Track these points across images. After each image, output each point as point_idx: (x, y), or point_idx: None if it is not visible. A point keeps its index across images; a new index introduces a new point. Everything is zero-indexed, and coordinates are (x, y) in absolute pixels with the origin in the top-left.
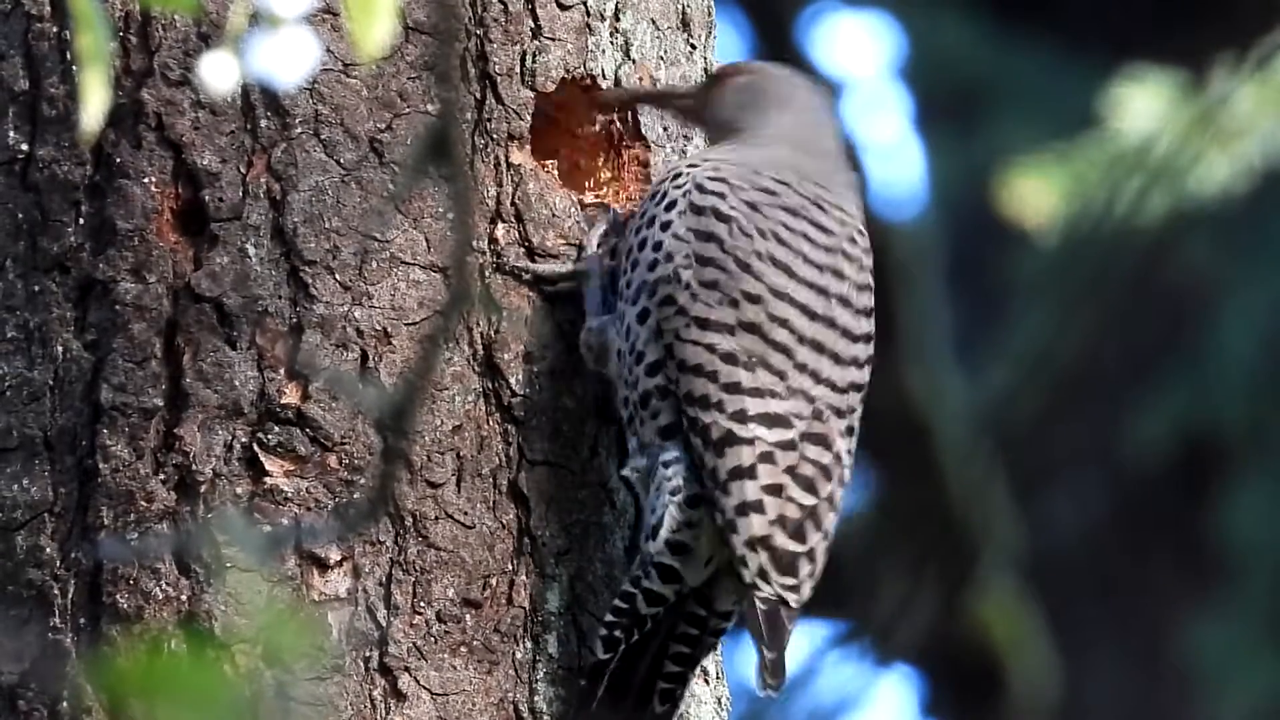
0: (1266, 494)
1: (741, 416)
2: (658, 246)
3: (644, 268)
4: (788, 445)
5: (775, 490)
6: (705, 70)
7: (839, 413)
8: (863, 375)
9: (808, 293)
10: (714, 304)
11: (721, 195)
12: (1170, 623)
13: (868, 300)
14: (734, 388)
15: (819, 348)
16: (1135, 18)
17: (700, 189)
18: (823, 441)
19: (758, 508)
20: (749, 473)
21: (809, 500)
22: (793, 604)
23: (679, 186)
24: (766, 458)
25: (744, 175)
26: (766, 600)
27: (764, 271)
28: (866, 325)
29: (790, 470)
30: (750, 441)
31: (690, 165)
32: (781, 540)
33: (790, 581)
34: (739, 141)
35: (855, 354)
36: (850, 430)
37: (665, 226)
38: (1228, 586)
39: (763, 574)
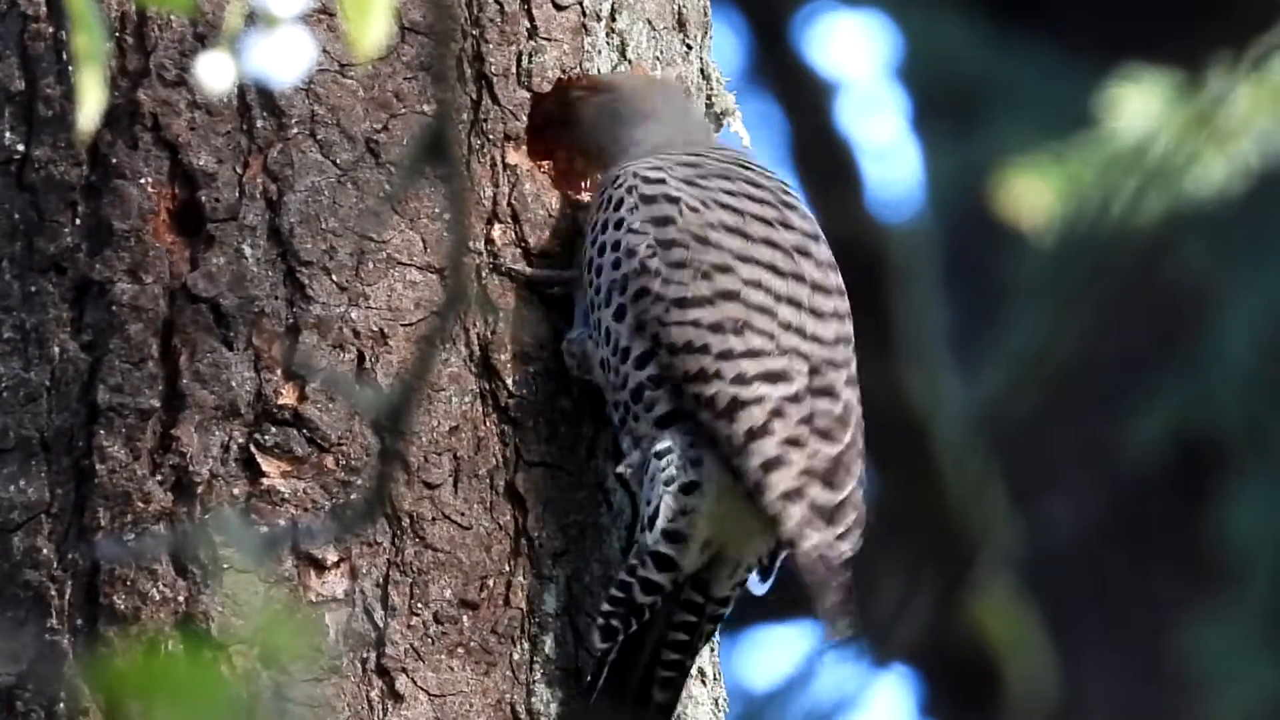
0: (1264, 495)
1: (743, 379)
2: (616, 246)
3: (609, 269)
4: (794, 398)
5: (795, 442)
6: (700, 70)
7: (835, 365)
8: (846, 329)
9: (768, 250)
10: (687, 281)
11: (663, 180)
12: (1168, 624)
13: (827, 252)
14: (728, 354)
15: (796, 304)
16: (1131, 18)
17: (645, 180)
18: (829, 392)
19: (781, 461)
20: (764, 430)
21: (832, 449)
22: (844, 554)
23: (620, 185)
24: (777, 413)
25: (666, 162)
26: (810, 552)
27: (722, 240)
28: (835, 278)
29: (805, 421)
30: (758, 400)
31: (621, 169)
32: (815, 492)
33: (835, 531)
34: (625, 156)
35: (833, 307)
36: (851, 381)
37: (619, 225)
38: (1226, 588)
39: (802, 526)
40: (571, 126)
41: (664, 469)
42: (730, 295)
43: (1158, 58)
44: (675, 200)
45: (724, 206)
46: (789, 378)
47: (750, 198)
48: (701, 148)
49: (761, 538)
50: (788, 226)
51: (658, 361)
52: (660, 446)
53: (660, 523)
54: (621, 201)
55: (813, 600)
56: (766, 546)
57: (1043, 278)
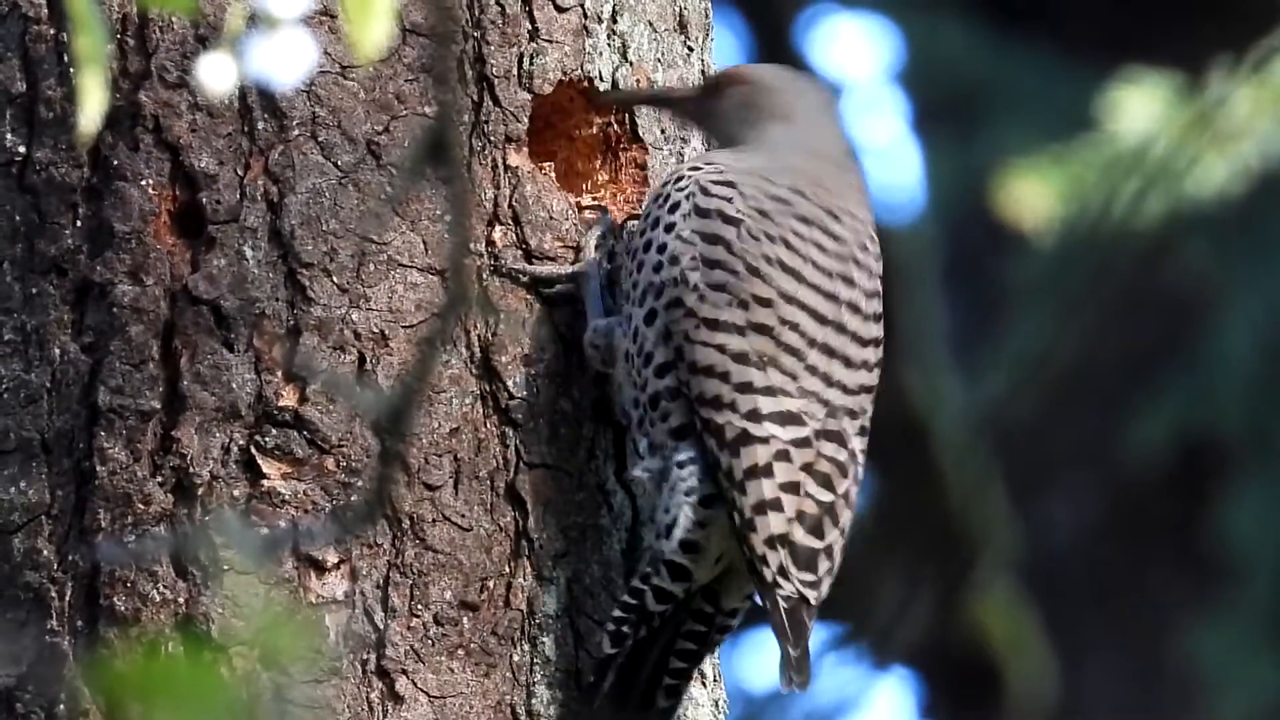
0: (1265, 497)
1: (755, 416)
2: (662, 249)
3: (649, 269)
4: (802, 443)
5: (792, 488)
6: (703, 73)
7: (851, 413)
8: (872, 378)
9: (817, 298)
10: (722, 305)
11: (728, 199)
12: (1169, 626)
13: (877, 306)
14: (746, 387)
15: (829, 352)
16: (1132, 20)
17: (704, 191)
18: (838, 439)
19: (775, 505)
20: (765, 471)
21: (826, 497)
22: (813, 601)
23: (681, 189)
24: (782, 455)
25: (755, 182)
26: (788, 598)
27: (773, 275)
28: (876, 330)
29: (807, 467)
30: (765, 440)
31: (692, 168)
32: (800, 536)
33: (810, 578)
34: (743, 149)
35: (865, 358)
36: (863, 430)
37: (669, 229)
38: (1227, 590)
39: (783, 571)
40: (710, 113)
41: (685, 479)
42: (763, 329)
43: (1158, 60)
44: (736, 223)
45: (788, 246)
46: (802, 421)
47: (819, 246)
48: (816, 179)
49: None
50: (848, 283)
51: (677, 375)
52: (682, 456)
53: (678, 533)
54: (677, 204)
55: (781, 643)
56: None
57: (1044, 279)
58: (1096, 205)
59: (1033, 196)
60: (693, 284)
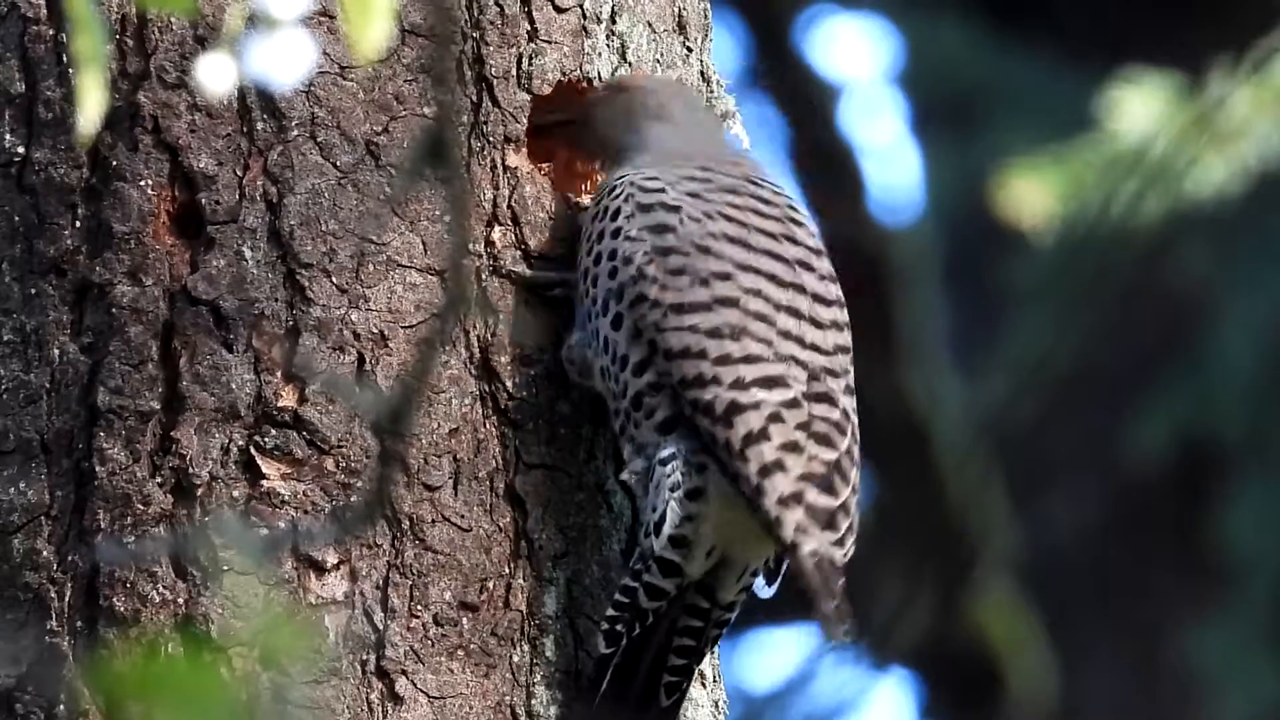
0: (1265, 498)
1: (740, 384)
2: (613, 255)
3: (605, 278)
4: (791, 404)
5: (793, 447)
6: (701, 73)
7: (833, 373)
8: (845, 338)
9: (769, 261)
10: (685, 288)
11: (661, 189)
12: (1169, 627)
13: (828, 266)
14: (725, 359)
15: (796, 313)
16: (1132, 21)
17: (641, 189)
18: (827, 399)
19: (779, 466)
20: (762, 435)
21: (829, 454)
22: (838, 560)
23: (617, 195)
24: (775, 418)
25: (671, 171)
26: (814, 553)
27: (723, 249)
28: (836, 290)
29: (802, 427)
30: (755, 405)
31: (618, 177)
32: (813, 496)
33: (833, 536)
34: (637, 156)
35: (833, 317)
36: (849, 390)
37: (615, 234)
38: (1227, 591)
39: (800, 531)
40: (587, 126)
41: (669, 475)
42: (729, 302)
43: (1158, 60)
44: (675, 209)
45: (728, 219)
46: (786, 384)
47: (756, 212)
48: (713, 160)
49: (765, 542)
50: (792, 241)
51: (655, 368)
52: (665, 453)
53: (666, 528)
54: (618, 211)
55: (811, 604)
56: (771, 551)
57: (1044, 280)
58: (1096, 205)
59: (1032, 196)
60: (651, 276)
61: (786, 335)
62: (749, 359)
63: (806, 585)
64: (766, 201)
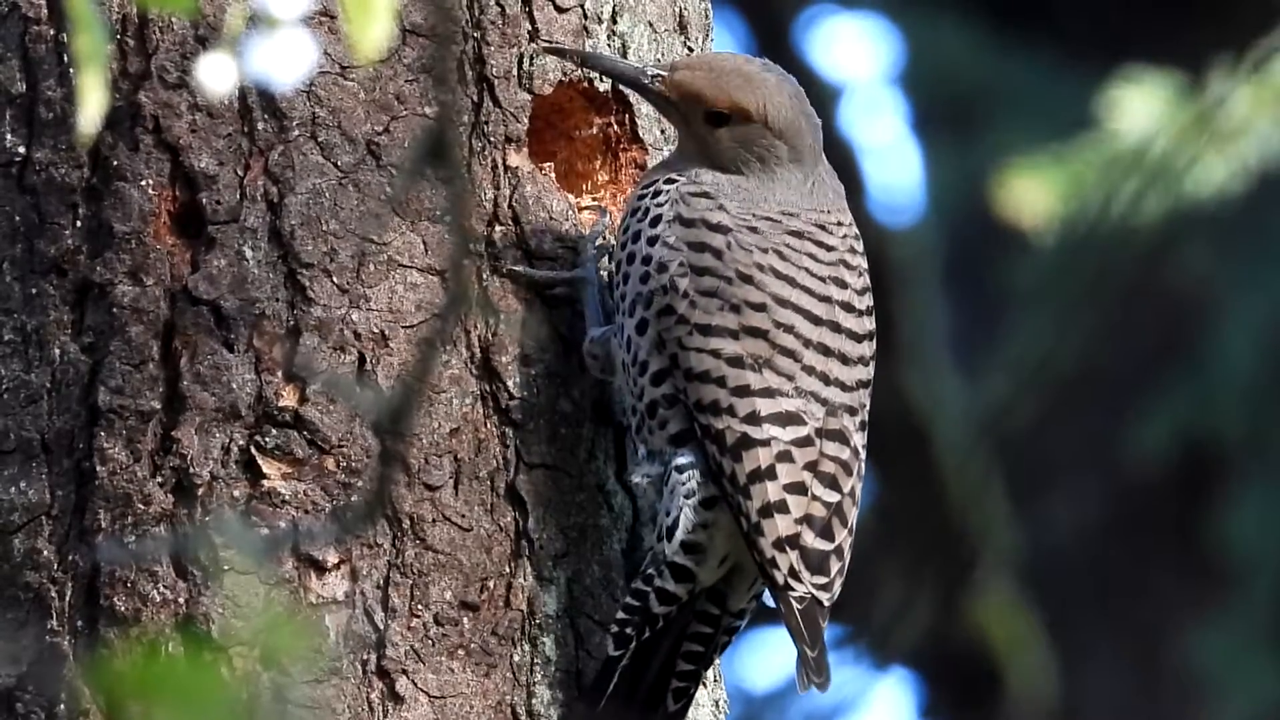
0: (1266, 498)
1: (754, 418)
2: (647, 260)
3: (635, 280)
4: (804, 442)
5: (798, 489)
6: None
7: (850, 410)
8: (868, 372)
9: (811, 300)
10: (714, 311)
11: (710, 209)
12: (1170, 628)
13: (869, 300)
14: (743, 390)
15: (825, 351)
16: (1132, 20)
17: (684, 202)
18: (840, 437)
19: (781, 508)
20: (768, 474)
21: (833, 497)
22: (825, 602)
23: (659, 202)
24: (784, 457)
25: (742, 200)
26: (801, 599)
27: (765, 281)
28: (869, 324)
29: (810, 467)
30: (766, 443)
31: (668, 181)
32: (809, 539)
33: (822, 580)
34: (735, 175)
35: (861, 353)
36: (863, 425)
37: (652, 241)
38: (1228, 592)
39: (794, 573)
40: (699, 135)
41: (684, 482)
42: (757, 332)
43: (1158, 60)
44: (724, 231)
45: (780, 256)
46: (802, 420)
47: (812, 256)
48: (797, 203)
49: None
50: (840, 285)
51: (673, 382)
52: (681, 460)
53: (679, 535)
54: (659, 218)
55: (796, 645)
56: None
57: (1044, 280)
58: (1096, 205)
59: (1032, 196)
60: (682, 290)
61: (811, 371)
62: (766, 392)
63: (791, 630)
64: (828, 248)
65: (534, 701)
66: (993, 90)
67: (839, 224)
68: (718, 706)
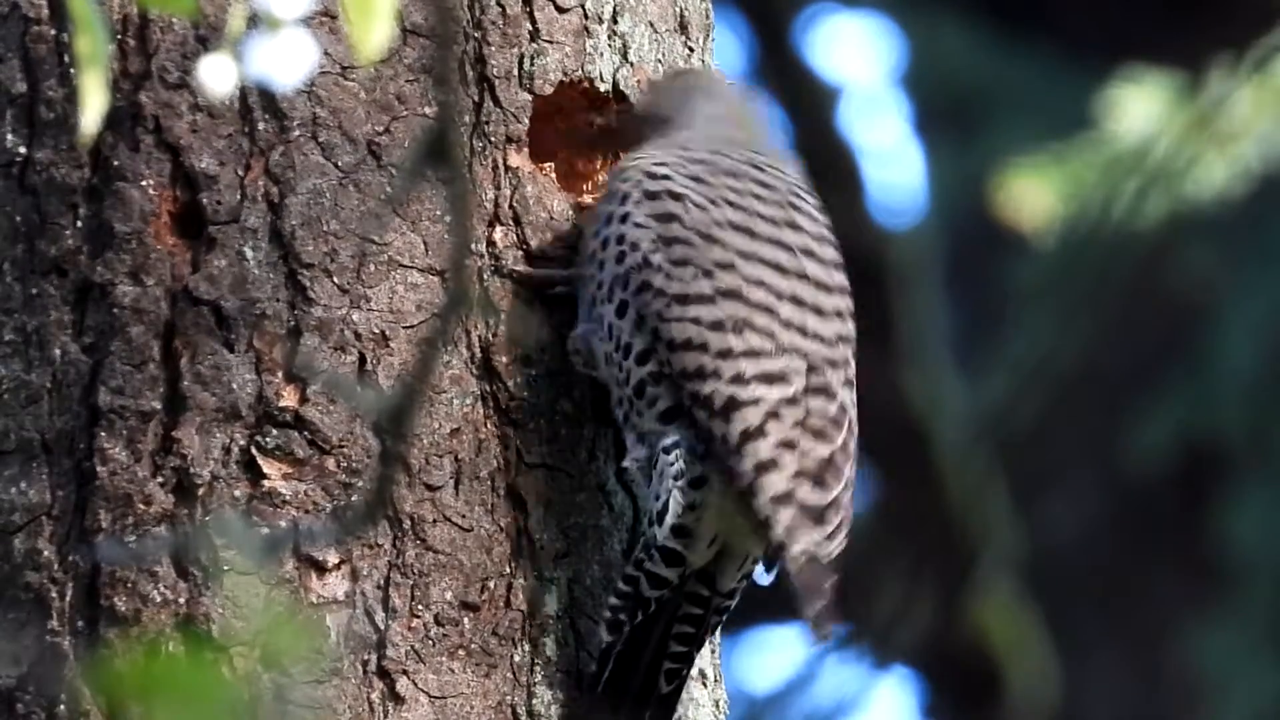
0: (1267, 499)
1: (740, 379)
2: (620, 240)
3: (612, 263)
4: (791, 400)
5: (788, 445)
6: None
7: (834, 364)
8: (848, 327)
9: (772, 249)
10: (689, 279)
11: (668, 177)
12: (1171, 628)
13: (834, 254)
14: (726, 354)
15: (798, 302)
16: (1132, 20)
17: (650, 175)
18: (825, 392)
19: (774, 465)
20: (759, 432)
21: (824, 450)
22: (827, 557)
23: (626, 180)
24: (773, 415)
25: (678, 155)
26: (799, 556)
27: (727, 238)
28: (839, 277)
29: (799, 424)
30: (754, 402)
31: (631, 161)
32: (805, 493)
33: (822, 533)
34: (663, 135)
35: (835, 305)
36: (849, 382)
37: (624, 219)
38: (1228, 592)
39: (791, 530)
40: (643, 114)
41: (672, 464)
42: (732, 293)
43: (1159, 60)
44: (680, 197)
45: (731, 205)
46: (787, 379)
47: (757, 197)
48: (720, 141)
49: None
50: (794, 227)
51: (657, 357)
52: (668, 441)
53: (669, 518)
54: (626, 196)
55: (800, 602)
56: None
57: (1045, 281)
58: (1097, 206)
59: (1033, 197)
60: (656, 264)
61: (788, 325)
62: (750, 353)
63: (794, 585)
64: (768, 186)
65: (534, 702)
66: (993, 91)
67: (771, 166)
68: (718, 707)
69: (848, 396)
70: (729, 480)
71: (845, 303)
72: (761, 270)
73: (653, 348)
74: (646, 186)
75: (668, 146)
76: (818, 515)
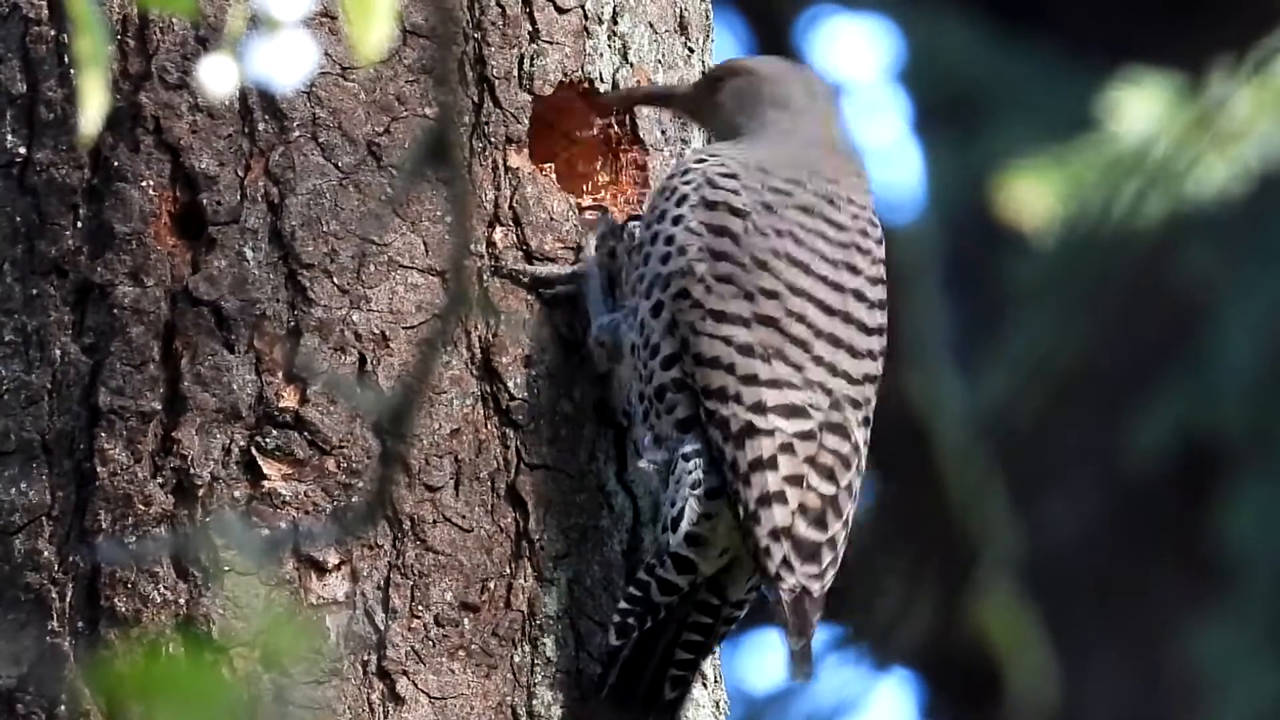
0: (1267, 498)
1: (760, 408)
2: (669, 240)
3: (656, 260)
4: (807, 435)
5: (796, 480)
6: (703, 72)
7: (855, 404)
8: (877, 367)
9: (824, 289)
10: (729, 297)
11: (735, 191)
12: (1170, 627)
13: (881, 293)
14: (751, 379)
15: (835, 342)
16: (1133, 21)
17: (711, 184)
18: (841, 431)
19: (779, 498)
20: (769, 464)
21: (829, 489)
22: (816, 592)
23: (687, 182)
24: (786, 449)
25: (755, 175)
26: (791, 590)
27: (781, 269)
28: (880, 318)
29: (810, 460)
30: (770, 433)
31: (697, 160)
32: (803, 529)
33: (813, 570)
34: (742, 140)
35: (870, 346)
36: (866, 421)
37: (676, 220)
38: (1228, 591)
39: (786, 564)
40: (709, 110)
41: (690, 472)
42: (769, 321)
43: (1159, 60)
44: (742, 215)
45: (795, 240)
46: (805, 414)
47: (824, 237)
48: (805, 169)
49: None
50: (852, 269)
51: (683, 366)
52: (688, 449)
53: (684, 525)
54: (685, 197)
55: (786, 635)
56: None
57: (1045, 280)
58: (1097, 206)
59: (1033, 197)
60: (699, 275)
61: (819, 362)
62: (774, 383)
63: (779, 620)
64: (838, 226)
65: (534, 702)
66: (993, 90)
67: (850, 201)
68: (718, 707)
69: (862, 436)
70: (731, 506)
71: (880, 343)
72: (806, 306)
73: (680, 356)
74: (706, 194)
75: (744, 158)
76: (813, 552)
